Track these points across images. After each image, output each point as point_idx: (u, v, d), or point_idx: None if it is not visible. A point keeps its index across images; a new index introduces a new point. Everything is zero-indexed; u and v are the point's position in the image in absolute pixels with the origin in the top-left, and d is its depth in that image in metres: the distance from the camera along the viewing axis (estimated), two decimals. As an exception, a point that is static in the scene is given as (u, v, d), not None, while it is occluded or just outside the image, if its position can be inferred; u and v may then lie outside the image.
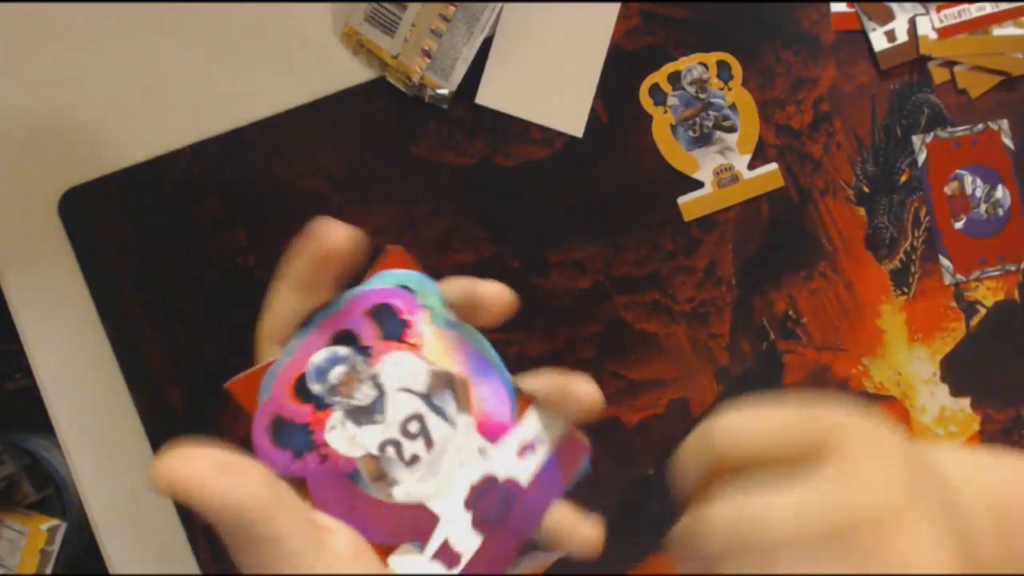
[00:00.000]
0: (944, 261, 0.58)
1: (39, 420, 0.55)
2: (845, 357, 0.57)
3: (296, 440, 0.27)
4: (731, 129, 0.56)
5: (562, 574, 0.55)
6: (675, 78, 0.56)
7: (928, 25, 0.57)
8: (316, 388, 0.27)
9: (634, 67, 0.56)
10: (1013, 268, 0.58)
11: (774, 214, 0.56)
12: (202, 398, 0.53)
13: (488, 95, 0.54)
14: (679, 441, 0.57)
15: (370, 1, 0.53)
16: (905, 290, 0.58)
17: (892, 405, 0.57)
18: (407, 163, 0.54)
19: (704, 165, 0.56)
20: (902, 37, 0.57)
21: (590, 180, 0.55)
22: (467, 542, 0.28)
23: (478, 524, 0.28)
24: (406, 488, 0.28)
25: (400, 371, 0.28)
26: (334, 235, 0.28)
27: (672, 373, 0.56)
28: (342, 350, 0.28)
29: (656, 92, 0.55)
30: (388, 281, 0.28)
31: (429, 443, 0.28)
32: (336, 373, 0.27)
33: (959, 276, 0.58)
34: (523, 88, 0.55)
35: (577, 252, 0.56)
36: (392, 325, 0.28)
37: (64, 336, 0.53)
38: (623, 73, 0.55)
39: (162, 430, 0.53)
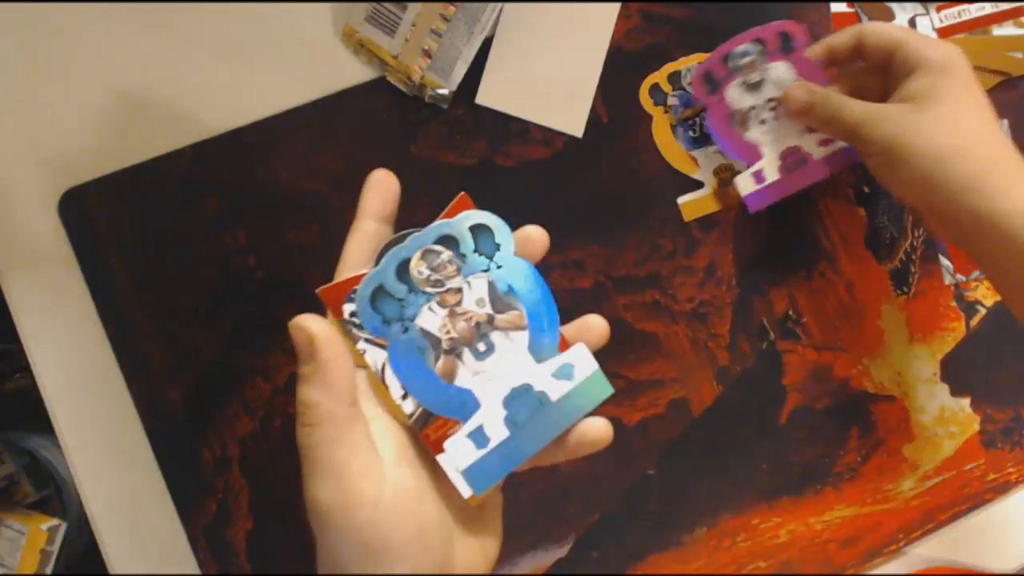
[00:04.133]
0: (944, 261, 0.58)
1: (39, 420, 0.55)
2: (845, 357, 0.57)
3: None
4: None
5: (562, 574, 0.55)
6: (675, 78, 0.56)
7: (928, 25, 0.57)
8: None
9: (634, 67, 0.56)
10: (1013, 268, 0.58)
11: (774, 214, 0.56)
12: (202, 398, 0.53)
13: (488, 95, 0.54)
14: (679, 441, 0.57)
15: (370, 1, 0.53)
16: (905, 290, 0.58)
17: (892, 405, 0.57)
18: (407, 163, 0.54)
19: (704, 165, 0.56)
20: (902, 37, 0.57)
21: (590, 180, 0.55)
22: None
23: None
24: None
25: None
26: (378, 173, 0.37)
27: (672, 373, 0.56)
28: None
29: (656, 92, 0.55)
30: (475, 218, 0.35)
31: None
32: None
33: (959, 276, 0.58)
34: (523, 88, 0.55)
35: (577, 252, 0.56)
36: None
37: (64, 336, 0.53)
38: (623, 73, 0.55)
39: (162, 430, 0.53)
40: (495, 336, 0.35)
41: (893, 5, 0.57)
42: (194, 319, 0.53)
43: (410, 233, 0.35)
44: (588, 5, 0.55)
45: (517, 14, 0.54)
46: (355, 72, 0.54)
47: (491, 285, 0.35)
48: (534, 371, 0.35)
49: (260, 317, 0.53)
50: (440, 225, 0.35)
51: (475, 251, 0.35)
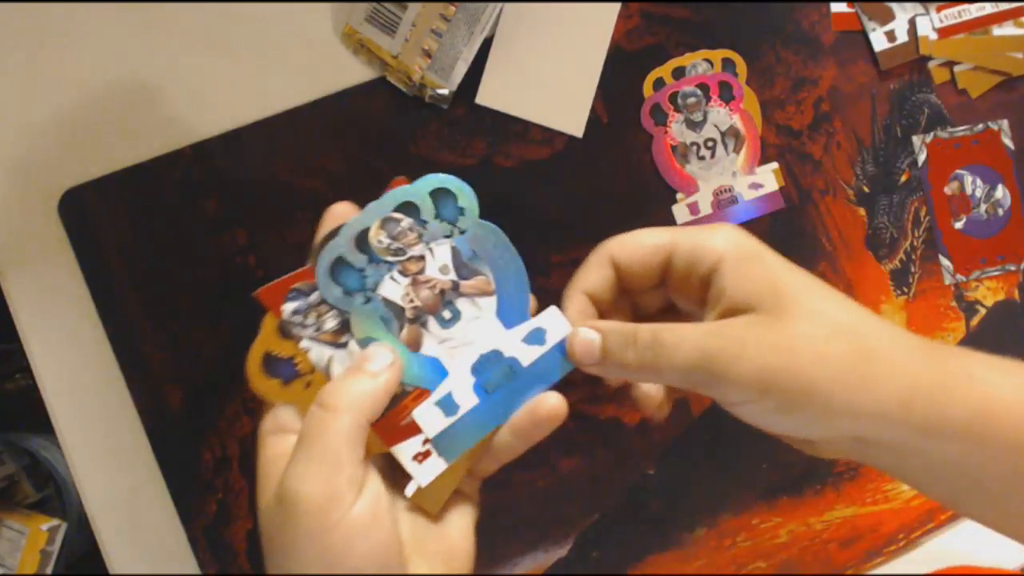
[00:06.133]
0: (944, 261, 0.58)
1: (39, 420, 0.55)
2: (845, 357, 0.57)
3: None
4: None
5: (562, 574, 0.55)
6: (679, 73, 0.56)
7: (928, 25, 0.57)
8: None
9: (634, 67, 0.56)
10: (1013, 268, 0.58)
11: (774, 214, 0.56)
12: (202, 398, 0.53)
13: (488, 95, 0.54)
14: (679, 441, 0.57)
15: (370, 1, 0.53)
16: (905, 290, 0.58)
17: (892, 405, 0.57)
18: (407, 163, 0.54)
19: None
20: (902, 37, 0.57)
21: (590, 180, 0.55)
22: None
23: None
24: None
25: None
26: (337, 207, 0.35)
27: (672, 373, 0.56)
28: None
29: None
30: (437, 181, 0.34)
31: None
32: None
33: (959, 276, 0.58)
34: (523, 88, 0.55)
35: (577, 252, 0.55)
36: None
37: (64, 336, 0.53)
38: (623, 73, 0.55)
39: (162, 430, 0.53)
40: (461, 303, 0.34)
41: (893, 5, 0.57)
42: (194, 319, 0.53)
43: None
44: (588, 5, 0.55)
45: (517, 14, 0.54)
46: (355, 72, 0.54)
47: (455, 251, 0.34)
48: (503, 337, 0.34)
49: (260, 317, 0.53)
50: (398, 192, 0.34)
51: (437, 217, 0.34)
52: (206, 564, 0.53)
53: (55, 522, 0.75)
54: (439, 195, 0.34)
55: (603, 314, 0.36)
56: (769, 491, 0.56)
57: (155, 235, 0.53)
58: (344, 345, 0.34)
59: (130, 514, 0.54)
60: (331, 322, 0.34)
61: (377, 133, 0.54)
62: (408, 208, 0.34)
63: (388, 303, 0.34)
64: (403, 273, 0.34)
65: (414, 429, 0.34)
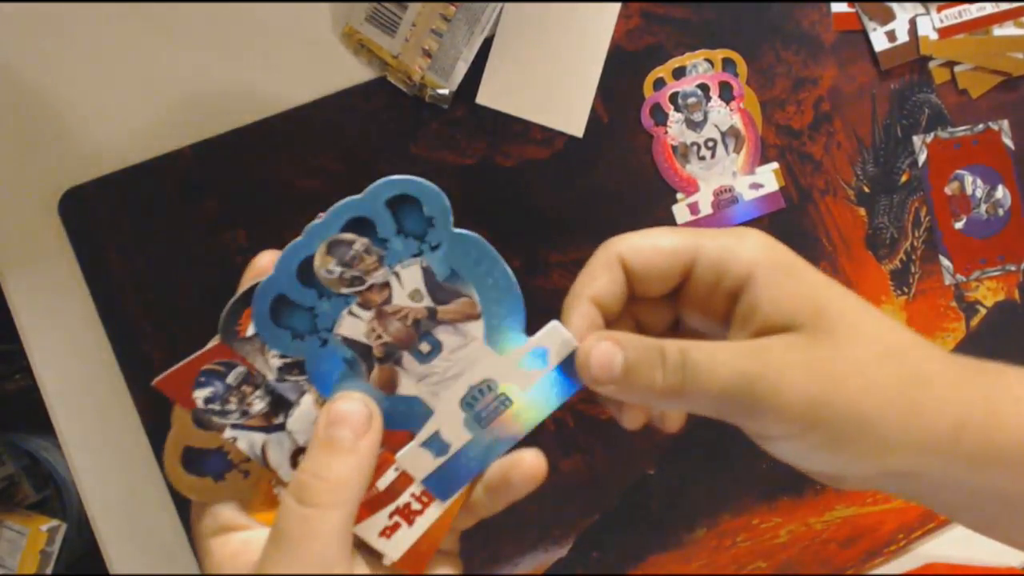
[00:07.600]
0: (944, 261, 0.58)
1: (39, 420, 0.55)
2: (845, 357, 0.57)
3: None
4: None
5: (562, 574, 0.55)
6: (679, 73, 0.56)
7: (929, 25, 0.57)
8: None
9: (634, 67, 0.56)
10: (1013, 268, 0.58)
11: (774, 214, 0.56)
12: (202, 398, 0.53)
13: (488, 95, 0.54)
14: (679, 441, 0.57)
15: (371, 1, 0.53)
16: (905, 290, 0.58)
17: (892, 405, 0.57)
18: (407, 163, 0.54)
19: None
20: (903, 37, 0.57)
21: (590, 180, 0.55)
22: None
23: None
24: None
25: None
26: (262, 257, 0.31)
27: (672, 373, 0.55)
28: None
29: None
30: (392, 187, 0.27)
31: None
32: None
33: (959, 276, 0.58)
34: (523, 88, 0.55)
35: (577, 252, 0.56)
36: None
37: (64, 336, 0.53)
38: (623, 73, 0.55)
39: (162, 430, 0.53)
40: (441, 332, 0.29)
41: (894, 5, 0.57)
42: (194, 319, 0.53)
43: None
44: (588, 5, 0.55)
45: (517, 14, 0.54)
46: (355, 72, 0.54)
47: (427, 272, 0.28)
48: (496, 364, 0.29)
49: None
50: (345, 206, 0.27)
51: (399, 232, 0.28)
52: (206, 564, 0.53)
53: (55, 522, 0.75)
54: (399, 204, 0.27)
55: (608, 327, 0.31)
56: (769, 491, 0.56)
57: (155, 235, 0.53)
58: (280, 427, 0.29)
59: (130, 514, 0.54)
60: (259, 403, 0.28)
61: (377, 133, 0.54)
62: (361, 226, 0.27)
63: (350, 343, 0.28)
64: (364, 306, 0.28)
65: (378, 503, 0.30)
